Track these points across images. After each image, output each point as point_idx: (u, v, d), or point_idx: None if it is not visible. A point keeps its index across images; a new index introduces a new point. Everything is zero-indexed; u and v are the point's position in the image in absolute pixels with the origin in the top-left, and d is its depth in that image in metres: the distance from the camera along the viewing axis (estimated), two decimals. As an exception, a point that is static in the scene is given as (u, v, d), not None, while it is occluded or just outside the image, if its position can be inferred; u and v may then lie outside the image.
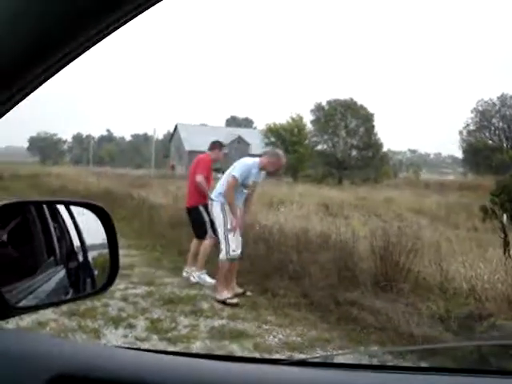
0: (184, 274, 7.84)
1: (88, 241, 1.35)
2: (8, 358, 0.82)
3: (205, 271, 7.49)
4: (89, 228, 1.30)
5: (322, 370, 0.92)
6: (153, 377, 0.79)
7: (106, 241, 1.30)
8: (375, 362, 4.58)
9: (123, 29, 0.76)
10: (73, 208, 1.34)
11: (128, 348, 1.25)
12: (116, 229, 1.25)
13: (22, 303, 1.07)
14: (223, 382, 0.80)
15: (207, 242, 7.47)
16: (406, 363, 4.49)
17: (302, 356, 4.86)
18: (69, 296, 1.32)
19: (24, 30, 0.71)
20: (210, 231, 7.36)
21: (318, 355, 4.69)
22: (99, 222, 1.22)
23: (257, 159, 6.72)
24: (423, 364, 4.36)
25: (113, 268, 1.20)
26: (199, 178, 7.47)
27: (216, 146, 7.99)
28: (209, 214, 7.06)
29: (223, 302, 6.44)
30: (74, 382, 0.79)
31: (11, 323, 4.48)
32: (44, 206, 1.31)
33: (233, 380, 0.81)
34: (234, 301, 6.45)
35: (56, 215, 1.32)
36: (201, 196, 7.45)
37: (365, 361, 4.46)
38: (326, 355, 4.48)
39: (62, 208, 1.34)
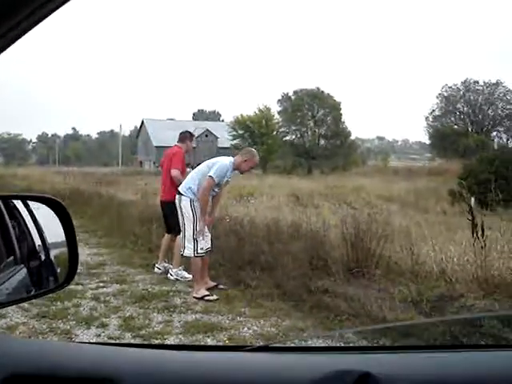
0: (156, 269, 7.78)
1: (48, 236, 1.31)
2: None
3: (182, 267, 7.42)
4: (48, 223, 1.26)
5: (286, 355, 0.91)
6: (112, 369, 0.76)
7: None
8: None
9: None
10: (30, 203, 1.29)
11: (89, 343, 1.22)
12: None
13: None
14: (186, 371, 0.78)
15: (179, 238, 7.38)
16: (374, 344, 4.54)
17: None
18: (31, 293, 1.28)
19: None
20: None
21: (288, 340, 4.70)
22: (56, 217, 1.18)
23: (231, 159, 6.64)
24: (395, 343, 4.40)
25: (72, 261, 1.16)
26: (175, 173, 7.39)
27: (186, 136, 7.93)
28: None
29: (201, 299, 6.40)
30: (29, 381, 0.75)
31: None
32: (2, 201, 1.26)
33: (196, 368, 0.79)
34: (212, 297, 6.41)
35: (13, 211, 1.28)
36: (175, 189, 7.35)
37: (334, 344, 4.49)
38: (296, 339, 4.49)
39: (19, 203, 1.29)
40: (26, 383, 0.75)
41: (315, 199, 17.78)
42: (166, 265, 7.66)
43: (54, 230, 1.23)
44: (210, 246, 6.61)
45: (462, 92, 61.76)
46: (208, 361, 0.82)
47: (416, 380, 0.74)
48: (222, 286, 6.82)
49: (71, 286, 6.40)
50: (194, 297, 6.47)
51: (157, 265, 7.84)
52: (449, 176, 25.70)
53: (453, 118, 62.21)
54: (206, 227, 6.51)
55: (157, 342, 4.99)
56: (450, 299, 5.50)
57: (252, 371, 0.78)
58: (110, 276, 7.63)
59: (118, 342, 4.89)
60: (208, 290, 6.56)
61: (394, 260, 6.87)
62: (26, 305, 5.72)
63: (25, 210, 1.33)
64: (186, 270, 7.36)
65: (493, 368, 0.80)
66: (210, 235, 6.65)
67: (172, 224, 7.54)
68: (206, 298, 6.39)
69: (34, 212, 1.32)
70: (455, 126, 60.54)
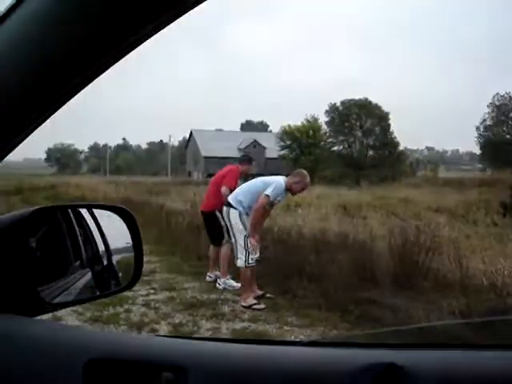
0: (207, 278, 7.91)
1: (113, 243, 1.42)
2: (45, 346, 0.89)
3: (229, 276, 7.53)
4: (114, 230, 1.36)
5: (338, 349, 0.98)
6: (181, 359, 0.85)
7: (129, 244, 1.36)
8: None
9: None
10: (99, 211, 1.41)
11: (158, 335, 1.32)
12: (139, 227, 1.31)
13: (56, 300, 1.14)
14: (247, 363, 0.86)
15: (227, 248, 7.49)
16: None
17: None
18: (97, 293, 1.39)
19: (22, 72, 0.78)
20: (226, 236, 7.39)
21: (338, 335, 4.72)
22: (124, 224, 1.29)
23: (285, 179, 6.75)
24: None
25: (137, 267, 1.26)
26: (224, 190, 7.42)
27: (247, 161, 8.10)
28: (223, 218, 7.09)
29: (249, 307, 6.49)
30: (106, 366, 0.85)
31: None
32: (69, 210, 1.38)
33: (256, 360, 0.87)
34: (260, 306, 6.50)
35: (80, 219, 1.39)
36: (218, 202, 7.47)
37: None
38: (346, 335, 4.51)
39: (86, 213, 1.41)
40: (104, 368, 0.85)
41: (363, 210, 17.64)
42: (218, 273, 7.76)
43: (120, 238, 1.33)
44: (258, 255, 6.70)
45: (514, 101, 60.40)
46: (266, 354, 0.90)
47: (448, 376, 0.80)
48: (269, 295, 6.89)
49: (123, 293, 6.57)
50: (242, 305, 6.56)
51: (208, 273, 7.96)
52: (500, 187, 25.10)
53: (505, 128, 60.84)
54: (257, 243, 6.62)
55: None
56: (501, 313, 5.43)
57: (302, 365, 0.85)
58: (159, 283, 7.79)
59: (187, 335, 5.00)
60: (256, 298, 6.64)
61: (442, 273, 6.80)
62: (79, 309, 5.92)
63: (90, 218, 1.44)
64: (233, 278, 7.47)
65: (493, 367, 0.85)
66: (258, 245, 6.74)
67: (213, 233, 7.71)
68: (254, 306, 6.47)
69: (99, 220, 1.43)
70: (507, 136, 59.18)
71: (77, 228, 1.38)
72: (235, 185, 7.60)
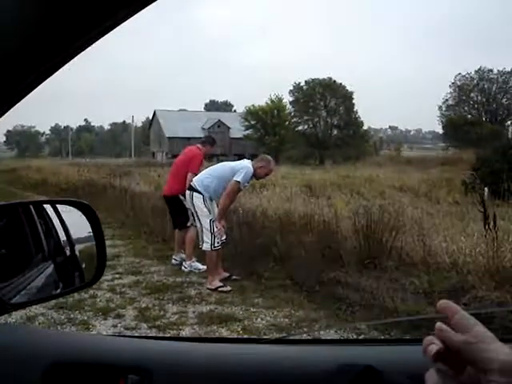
0: (173, 261, 7.90)
1: (75, 236, 1.39)
2: (4, 351, 0.87)
3: (195, 259, 7.54)
4: (75, 224, 1.34)
5: (300, 347, 0.98)
6: (142, 360, 0.84)
7: (91, 234, 1.34)
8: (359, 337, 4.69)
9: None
10: (59, 206, 1.38)
11: (121, 336, 1.30)
12: (100, 220, 1.29)
13: (15, 300, 1.11)
14: (209, 362, 0.86)
15: (192, 231, 7.50)
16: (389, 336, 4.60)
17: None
18: (59, 290, 1.36)
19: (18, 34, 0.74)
20: (191, 219, 7.38)
21: (303, 333, 4.78)
22: (84, 218, 1.26)
23: (251, 163, 6.74)
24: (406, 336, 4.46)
25: (100, 261, 1.24)
26: (190, 176, 7.33)
27: (209, 142, 8.02)
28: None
29: (215, 290, 6.50)
30: (69, 370, 0.83)
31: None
32: (31, 206, 1.35)
33: (218, 359, 0.86)
34: (226, 288, 6.52)
35: (43, 214, 1.36)
36: (181, 186, 7.43)
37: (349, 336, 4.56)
38: (312, 332, 4.57)
39: (48, 207, 1.38)
40: (67, 372, 0.83)
41: (328, 190, 17.73)
42: (183, 256, 7.75)
43: (81, 231, 1.31)
44: (224, 238, 6.70)
45: (475, 81, 61.43)
46: (229, 352, 0.89)
47: (416, 373, 0.81)
48: (235, 277, 6.91)
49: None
50: (208, 288, 6.57)
51: (174, 256, 7.95)
52: (462, 166, 25.51)
53: (466, 108, 61.93)
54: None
55: (172, 333, 5.09)
56: (462, 290, 5.55)
57: (268, 363, 0.85)
58: (124, 267, 7.74)
59: (145, 334, 4.99)
60: (222, 280, 6.65)
61: (405, 251, 6.90)
62: (44, 296, 5.84)
63: (53, 212, 1.42)
64: (198, 261, 7.47)
65: None
66: (225, 229, 6.74)
67: (178, 217, 7.71)
68: (220, 288, 6.49)
69: (62, 214, 1.41)
70: (469, 116, 60.21)
71: (38, 223, 1.35)
72: (199, 169, 7.59)
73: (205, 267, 7.12)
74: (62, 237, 1.40)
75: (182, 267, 7.58)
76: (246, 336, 4.94)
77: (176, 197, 7.63)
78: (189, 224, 7.50)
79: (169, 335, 4.89)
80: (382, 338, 4.57)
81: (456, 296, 5.43)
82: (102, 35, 0.75)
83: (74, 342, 0.93)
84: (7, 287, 1.09)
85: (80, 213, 1.26)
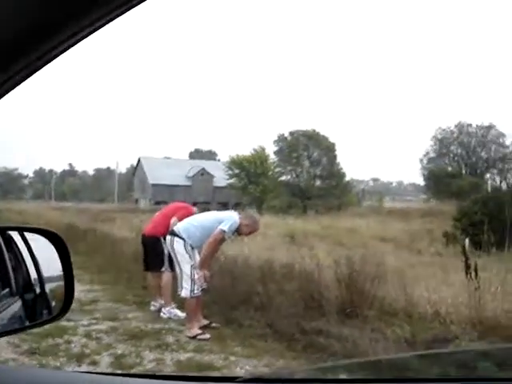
0: (152, 307, 7.75)
1: (45, 269, 1.34)
2: None
3: (174, 305, 7.42)
4: (45, 255, 1.29)
5: None
6: None
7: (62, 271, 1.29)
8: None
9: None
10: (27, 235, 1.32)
11: (86, 372, 1.24)
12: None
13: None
14: None
15: (168, 276, 7.44)
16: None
17: None
18: (25, 323, 1.30)
19: (18, 16, 0.70)
20: (166, 264, 7.32)
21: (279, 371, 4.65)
22: (53, 248, 1.21)
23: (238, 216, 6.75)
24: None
25: (68, 293, 1.18)
26: (174, 222, 7.30)
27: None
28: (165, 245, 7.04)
29: (194, 338, 6.36)
30: None
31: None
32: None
33: None
34: (205, 336, 6.38)
35: (10, 243, 1.31)
36: (164, 230, 7.40)
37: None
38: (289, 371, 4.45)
39: (16, 235, 1.32)
40: None
41: (310, 239, 17.72)
42: (162, 302, 7.62)
43: (50, 262, 1.25)
44: (205, 285, 6.62)
45: (455, 134, 62.51)
46: None
47: None
48: (214, 325, 6.78)
49: (63, 322, 6.36)
50: (187, 335, 6.43)
51: (152, 302, 7.81)
52: (443, 217, 25.70)
53: (447, 161, 62.79)
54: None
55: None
56: (445, 341, 5.48)
57: None
58: (102, 313, 7.58)
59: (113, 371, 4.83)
60: (201, 328, 6.52)
61: (387, 301, 6.85)
62: (15, 341, 5.68)
63: (21, 241, 1.36)
64: (178, 307, 7.34)
65: None
66: (207, 276, 6.67)
67: (153, 259, 7.66)
68: (199, 336, 6.36)
69: (31, 244, 1.35)
70: (449, 168, 61.04)
71: (5, 252, 1.29)
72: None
73: (184, 314, 7.01)
74: (32, 270, 1.35)
75: (161, 313, 7.43)
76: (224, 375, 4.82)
77: (156, 238, 7.58)
78: (163, 269, 7.45)
79: (141, 373, 4.73)
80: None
81: (439, 346, 5.36)
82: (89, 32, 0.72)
83: (32, 378, 0.87)
84: None
85: (49, 242, 1.21)
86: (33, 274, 1.38)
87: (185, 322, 6.76)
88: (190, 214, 7.69)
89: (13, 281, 1.33)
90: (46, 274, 1.38)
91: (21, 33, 0.69)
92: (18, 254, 1.34)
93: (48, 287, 1.39)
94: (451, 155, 62.61)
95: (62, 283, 1.37)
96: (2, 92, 0.76)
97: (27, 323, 1.32)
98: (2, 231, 1.31)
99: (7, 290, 1.31)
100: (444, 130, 62.75)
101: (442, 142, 62.40)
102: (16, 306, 1.30)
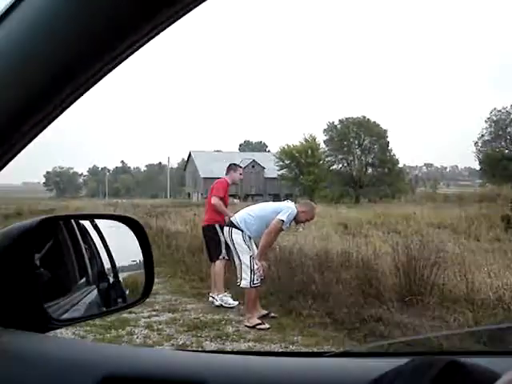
0: (210, 299, 7.84)
1: (120, 258, 1.37)
2: (53, 363, 0.84)
3: (226, 293, 7.49)
4: (122, 241, 1.32)
5: (365, 359, 0.92)
6: (200, 374, 0.80)
7: (135, 262, 1.32)
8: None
9: (131, 60, 0.77)
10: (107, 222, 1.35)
11: (179, 350, 1.26)
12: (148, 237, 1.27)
13: (63, 317, 1.09)
14: (271, 376, 0.81)
15: (220, 264, 7.53)
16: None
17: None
18: (103, 310, 1.34)
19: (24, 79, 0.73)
20: (224, 252, 7.41)
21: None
22: (133, 235, 1.24)
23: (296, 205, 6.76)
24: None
25: (148, 279, 1.21)
26: (214, 200, 7.55)
27: (231, 168, 8.07)
28: (223, 235, 7.10)
29: (253, 327, 6.41)
30: (124, 382, 0.80)
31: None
32: (75, 221, 1.33)
33: (280, 373, 0.82)
34: (265, 326, 6.41)
35: (86, 232, 1.34)
36: (217, 215, 7.52)
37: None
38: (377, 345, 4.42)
39: (91, 224, 1.36)
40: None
41: (364, 228, 17.56)
42: (221, 294, 7.68)
43: (128, 249, 1.28)
44: (263, 275, 6.64)
45: (512, 115, 60.53)
46: (291, 366, 0.84)
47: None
48: (273, 315, 6.80)
49: (125, 315, 6.51)
50: (246, 325, 6.47)
51: (210, 294, 7.88)
52: (501, 202, 25.05)
53: (503, 143, 60.86)
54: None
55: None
56: (509, 327, 5.34)
57: (331, 377, 0.80)
58: (162, 305, 7.70)
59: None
60: (260, 318, 6.55)
61: (448, 288, 6.73)
62: (81, 332, 5.84)
63: (94, 231, 1.39)
64: (231, 297, 7.45)
65: None
66: (264, 266, 6.69)
67: (212, 248, 7.72)
68: (258, 326, 6.39)
69: (104, 233, 1.38)
70: (506, 151, 59.23)
71: (81, 242, 1.33)
72: (223, 193, 7.71)
73: (236, 303, 7.10)
74: (105, 258, 1.38)
75: (214, 301, 7.52)
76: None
77: (212, 226, 7.64)
78: (221, 257, 7.50)
79: (230, 350, 4.79)
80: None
81: (503, 333, 5.23)
82: (130, 53, 0.73)
83: (126, 355, 0.89)
84: (54, 306, 1.07)
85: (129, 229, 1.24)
86: (106, 263, 1.41)
87: (243, 313, 6.80)
88: (223, 183, 7.80)
89: (89, 270, 1.37)
90: (120, 262, 1.41)
91: (98, 35, 0.70)
92: (91, 243, 1.38)
93: (121, 276, 1.42)
94: (508, 137, 60.67)
95: (131, 273, 1.40)
96: (82, 92, 0.78)
97: (104, 309, 1.36)
98: (79, 219, 1.35)
99: (84, 279, 1.35)
100: (500, 111, 60.81)
101: (498, 124, 60.48)
102: (93, 294, 1.34)
